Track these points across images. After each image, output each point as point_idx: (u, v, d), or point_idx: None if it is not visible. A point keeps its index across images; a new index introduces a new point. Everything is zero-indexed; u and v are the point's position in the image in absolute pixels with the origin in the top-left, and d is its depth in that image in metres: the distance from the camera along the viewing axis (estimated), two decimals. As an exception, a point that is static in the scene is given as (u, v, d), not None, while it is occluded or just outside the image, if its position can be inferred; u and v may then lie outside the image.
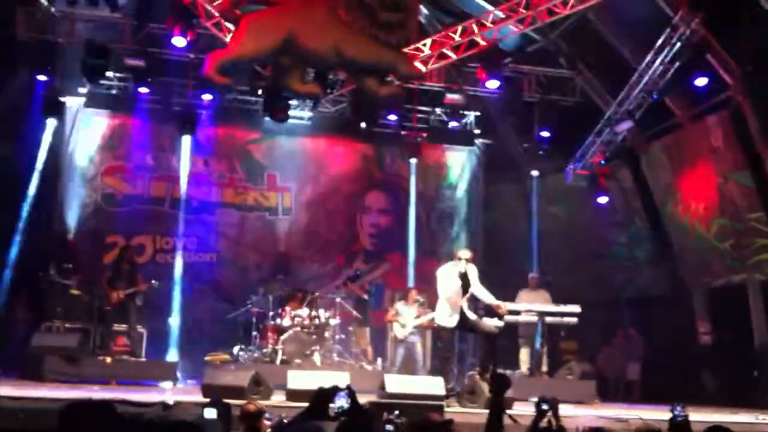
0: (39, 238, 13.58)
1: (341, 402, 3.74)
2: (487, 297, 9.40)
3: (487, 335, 9.41)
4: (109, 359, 11.03)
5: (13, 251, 13.22)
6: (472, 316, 9.26)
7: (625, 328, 14.35)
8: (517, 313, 11.87)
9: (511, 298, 12.23)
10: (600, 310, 13.57)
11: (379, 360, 12.41)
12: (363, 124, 14.27)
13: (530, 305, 12.06)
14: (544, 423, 5.26)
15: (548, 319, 11.83)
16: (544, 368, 11.89)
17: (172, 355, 13.31)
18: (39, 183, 13.71)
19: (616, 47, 13.37)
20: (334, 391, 3.75)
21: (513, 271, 14.02)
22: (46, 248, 13.66)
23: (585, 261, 15.41)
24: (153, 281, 11.86)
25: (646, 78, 12.71)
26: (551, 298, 12.45)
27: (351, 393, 3.76)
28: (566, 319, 11.87)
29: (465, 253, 9.35)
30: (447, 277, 9.15)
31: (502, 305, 9.50)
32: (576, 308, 11.78)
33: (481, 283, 9.39)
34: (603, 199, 14.35)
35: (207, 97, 14.02)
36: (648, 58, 12.49)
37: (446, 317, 9.19)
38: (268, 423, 4.81)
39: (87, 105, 14.34)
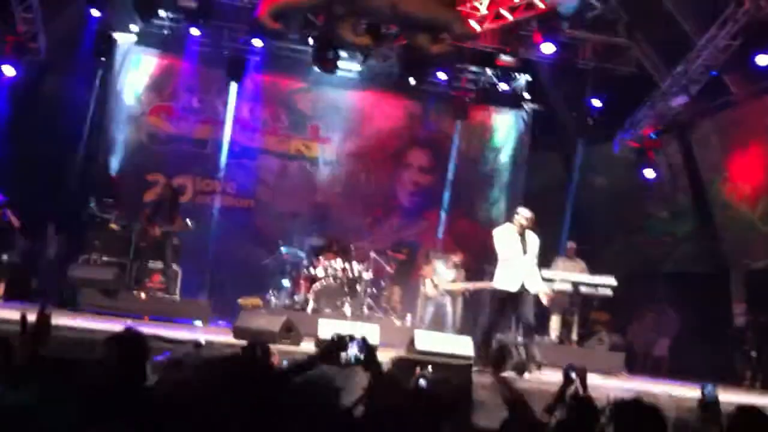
0: (81, 171, 13.78)
1: (354, 351, 3.71)
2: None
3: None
4: (143, 295, 11.20)
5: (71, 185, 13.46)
6: (534, 289, 8.77)
7: (658, 303, 14.21)
8: (552, 281, 11.77)
9: (547, 264, 12.14)
10: (635, 283, 13.42)
11: (409, 316, 12.44)
12: (411, 81, 14.12)
13: (565, 274, 11.96)
14: (570, 391, 5.22)
15: (582, 289, 11.73)
16: (574, 337, 11.84)
17: (206, 296, 13.49)
18: (87, 117, 13.88)
19: (677, 19, 12.99)
20: (349, 339, 3.72)
21: (550, 238, 13.88)
22: (89, 182, 13.86)
23: (623, 233, 15.23)
24: (188, 220, 11.92)
25: (706, 53, 12.35)
26: (587, 268, 12.33)
27: (366, 344, 3.72)
28: (600, 290, 11.76)
29: (520, 214, 8.78)
30: (502, 237, 8.74)
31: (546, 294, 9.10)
32: (611, 280, 11.66)
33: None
34: (650, 173, 14.09)
35: (257, 43, 13.97)
36: (710, 32, 12.12)
37: (502, 280, 8.72)
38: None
39: (138, 43, 14.40)
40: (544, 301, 9.11)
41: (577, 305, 11.81)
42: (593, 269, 12.16)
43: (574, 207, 15.40)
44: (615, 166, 15.10)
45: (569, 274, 11.94)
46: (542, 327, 12.17)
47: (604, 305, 12.59)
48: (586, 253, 12.80)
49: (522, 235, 8.64)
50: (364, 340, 3.71)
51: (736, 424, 3.82)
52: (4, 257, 11.62)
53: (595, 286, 11.77)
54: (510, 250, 8.62)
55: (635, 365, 12.77)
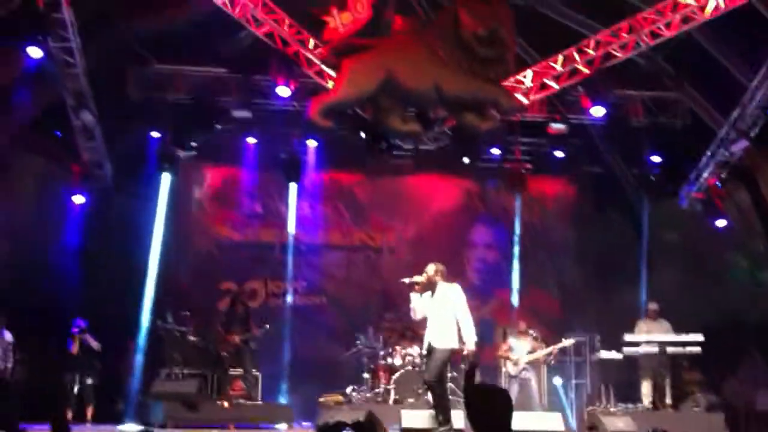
0: (156, 287, 14.08)
1: None
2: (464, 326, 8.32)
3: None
4: (226, 403, 11.22)
5: (147, 302, 13.74)
6: (436, 344, 8.23)
7: (751, 356, 13.59)
8: (637, 344, 11.45)
9: (628, 328, 11.82)
10: (723, 337, 12.90)
11: (494, 397, 12.15)
12: (465, 159, 14.20)
13: (650, 336, 11.61)
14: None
15: (670, 349, 11.35)
16: (668, 401, 11.39)
17: (286, 398, 13.46)
18: (156, 234, 14.28)
19: (725, 64, 12.87)
20: (340, 427, 3.51)
21: (627, 301, 13.58)
22: (163, 297, 14.14)
23: (704, 287, 14.72)
24: (265, 326, 12.06)
25: (760, 94, 12.16)
26: (672, 327, 11.95)
27: (360, 428, 3.48)
28: (689, 349, 11.36)
29: (425, 270, 8.46)
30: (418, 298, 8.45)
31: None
32: (698, 337, 11.28)
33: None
34: (721, 222, 13.73)
35: (311, 143, 14.37)
36: (760, 73, 11.96)
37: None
38: None
39: (198, 157, 14.89)
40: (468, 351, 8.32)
41: (666, 367, 11.40)
42: (677, 327, 11.78)
43: (648, 266, 15.04)
44: (684, 220, 14.76)
45: (654, 336, 11.59)
46: (634, 393, 11.80)
47: (695, 364, 12.13)
48: (668, 312, 12.42)
49: (433, 291, 8.35)
50: (359, 425, 3.49)
51: None
52: (89, 381, 11.85)
53: (683, 344, 11.39)
54: (423, 310, 8.35)
55: (738, 424, 12.16)
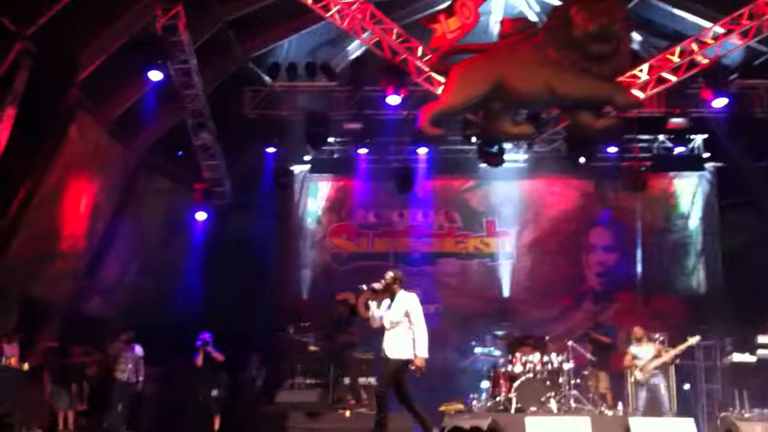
0: (275, 300, 14.39)
1: None
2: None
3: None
4: (348, 413, 11.29)
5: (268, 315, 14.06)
6: (389, 354, 7.88)
7: None
8: (769, 346, 10.83)
9: (761, 330, 11.19)
10: None
11: (620, 404, 11.74)
12: (581, 160, 13.85)
13: (787, 337, 10.96)
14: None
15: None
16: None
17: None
18: (274, 248, 14.62)
19: None
20: None
21: (759, 301, 12.85)
22: (283, 308, 14.43)
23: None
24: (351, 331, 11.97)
25: None
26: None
27: None
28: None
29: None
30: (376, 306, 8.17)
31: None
32: None
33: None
34: None
35: (422, 150, 14.39)
36: None
37: None
38: None
39: (312, 171, 15.22)
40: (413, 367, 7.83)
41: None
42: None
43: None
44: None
45: (791, 337, 10.93)
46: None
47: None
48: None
49: (391, 299, 7.98)
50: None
51: None
52: (214, 392, 12.15)
53: (822, 345, 10.69)
54: (380, 318, 8.01)
55: None
